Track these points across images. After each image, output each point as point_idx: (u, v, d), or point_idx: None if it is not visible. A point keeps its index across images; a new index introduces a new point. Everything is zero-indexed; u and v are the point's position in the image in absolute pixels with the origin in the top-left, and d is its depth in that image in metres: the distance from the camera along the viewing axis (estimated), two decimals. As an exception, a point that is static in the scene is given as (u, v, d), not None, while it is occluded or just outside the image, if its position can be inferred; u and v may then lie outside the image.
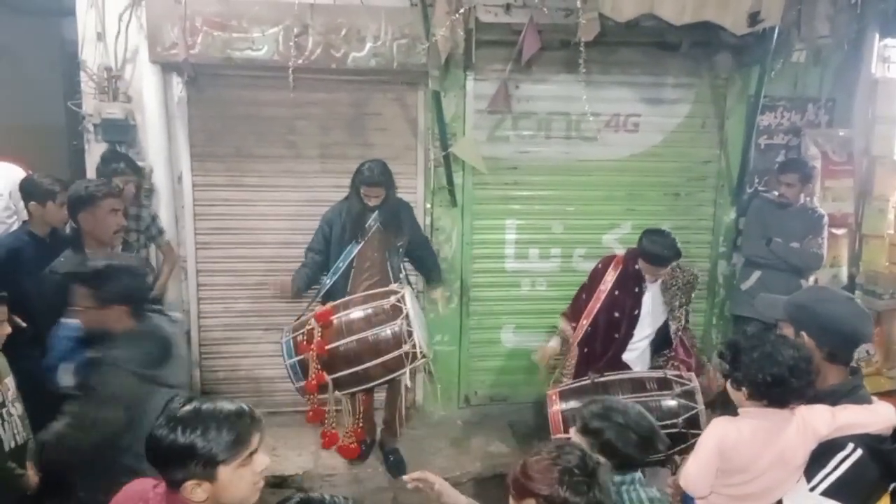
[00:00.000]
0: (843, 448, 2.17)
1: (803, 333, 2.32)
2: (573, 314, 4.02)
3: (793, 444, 2.23)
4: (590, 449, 2.18)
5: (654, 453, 2.26)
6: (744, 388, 2.28)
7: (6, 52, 5.45)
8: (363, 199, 4.11)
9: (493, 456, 4.60)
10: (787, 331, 2.37)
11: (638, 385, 3.47)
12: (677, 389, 3.36)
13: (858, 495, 2.16)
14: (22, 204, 4.05)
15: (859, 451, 2.16)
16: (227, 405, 1.75)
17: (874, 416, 2.22)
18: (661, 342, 3.91)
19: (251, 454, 1.76)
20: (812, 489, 2.19)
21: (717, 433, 2.35)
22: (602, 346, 3.88)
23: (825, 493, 2.17)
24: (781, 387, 2.19)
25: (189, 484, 1.70)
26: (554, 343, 4.00)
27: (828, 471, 2.18)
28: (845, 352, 2.32)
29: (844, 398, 2.27)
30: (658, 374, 3.57)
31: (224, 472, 1.71)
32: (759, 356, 2.21)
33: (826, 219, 4.64)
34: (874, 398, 2.33)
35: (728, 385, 2.37)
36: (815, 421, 2.21)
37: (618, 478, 2.19)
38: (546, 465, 1.78)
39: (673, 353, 3.83)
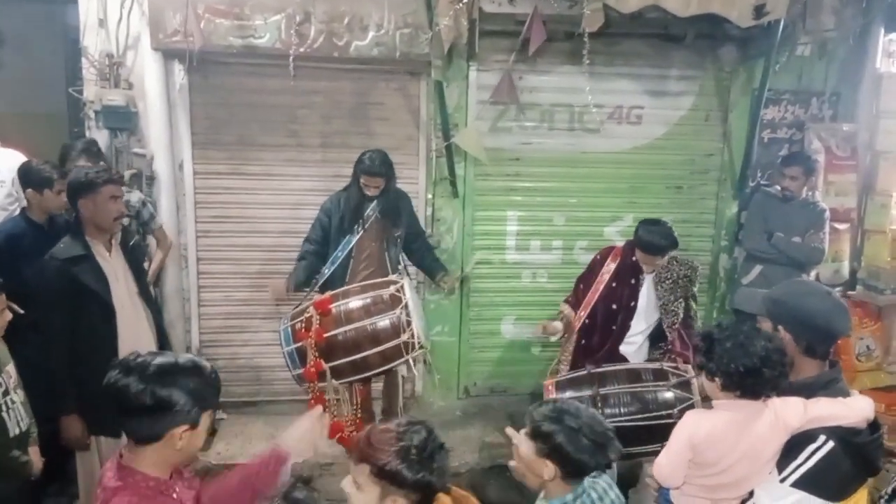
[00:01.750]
0: (814, 440, 2.18)
1: (780, 328, 2.33)
2: (575, 302, 4.02)
3: (765, 436, 2.24)
4: (536, 454, 2.13)
5: (605, 460, 2.16)
6: (717, 379, 2.29)
7: (9, 39, 5.44)
8: (363, 189, 4.10)
9: (492, 447, 4.60)
10: (766, 325, 2.37)
11: (634, 376, 3.46)
12: (673, 380, 3.36)
13: (831, 487, 2.17)
14: (24, 190, 4.07)
15: (831, 443, 2.16)
16: (199, 358, 1.90)
17: (848, 409, 2.22)
18: (658, 335, 3.90)
19: None
20: (783, 480, 2.20)
21: (689, 426, 2.38)
22: (599, 337, 3.88)
23: (795, 485, 2.18)
24: (754, 377, 2.20)
25: (178, 430, 1.78)
26: (558, 324, 3.98)
27: (798, 462, 2.19)
28: (822, 346, 2.33)
29: (820, 391, 2.28)
30: (654, 365, 3.57)
31: (204, 418, 1.84)
32: (732, 347, 2.22)
33: (828, 213, 4.62)
34: (854, 392, 2.34)
35: (702, 376, 2.39)
36: (787, 413, 2.22)
37: (570, 497, 2.13)
38: (390, 437, 1.82)
39: (670, 346, 3.82)
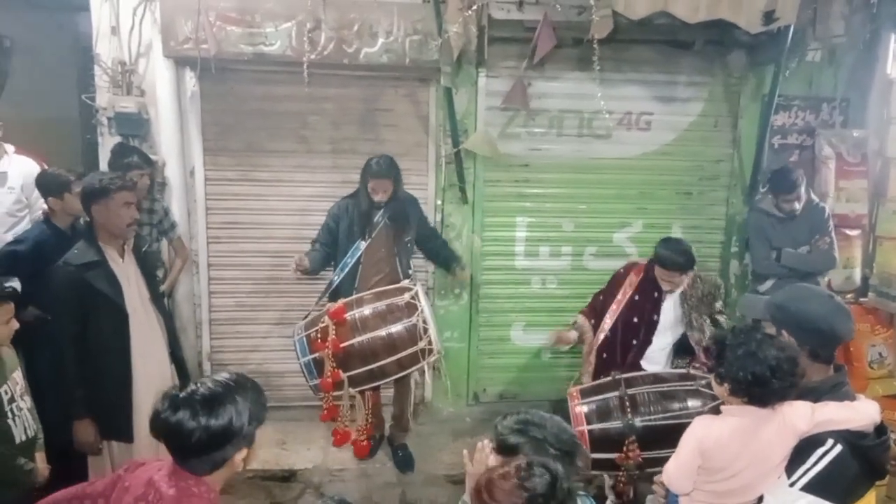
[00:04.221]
0: (822, 444, 2.19)
1: (784, 332, 2.35)
2: (591, 313, 4.01)
3: (773, 441, 2.25)
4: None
5: (574, 469, 2.03)
6: (726, 384, 2.30)
7: (22, 46, 5.48)
8: (371, 195, 4.09)
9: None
10: (770, 331, 2.38)
11: (660, 380, 3.45)
12: (702, 381, 3.33)
13: (839, 490, 2.18)
14: (35, 196, 4.10)
15: (839, 447, 2.17)
16: (242, 375, 1.89)
17: (855, 413, 2.23)
18: (683, 349, 3.88)
19: None
20: (792, 484, 2.21)
21: (697, 432, 2.38)
22: (621, 351, 3.86)
23: (805, 489, 2.18)
24: (762, 386, 2.21)
25: (239, 455, 1.82)
26: (573, 333, 3.97)
27: (807, 466, 2.19)
28: (826, 349, 2.35)
29: (827, 395, 2.29)
30: (680, 370, 3.57)
31: (258, 433, 1.87)
32: (743, 354, 2.23)
33: (829, 211, 4.61)
34: (860, 396, 2.35)
35: (712, 379, 2.40)
36: (795, 417, 2.23)
37: None
38: (512, 486, 1.69)
39: (695, 358, 3.80)
